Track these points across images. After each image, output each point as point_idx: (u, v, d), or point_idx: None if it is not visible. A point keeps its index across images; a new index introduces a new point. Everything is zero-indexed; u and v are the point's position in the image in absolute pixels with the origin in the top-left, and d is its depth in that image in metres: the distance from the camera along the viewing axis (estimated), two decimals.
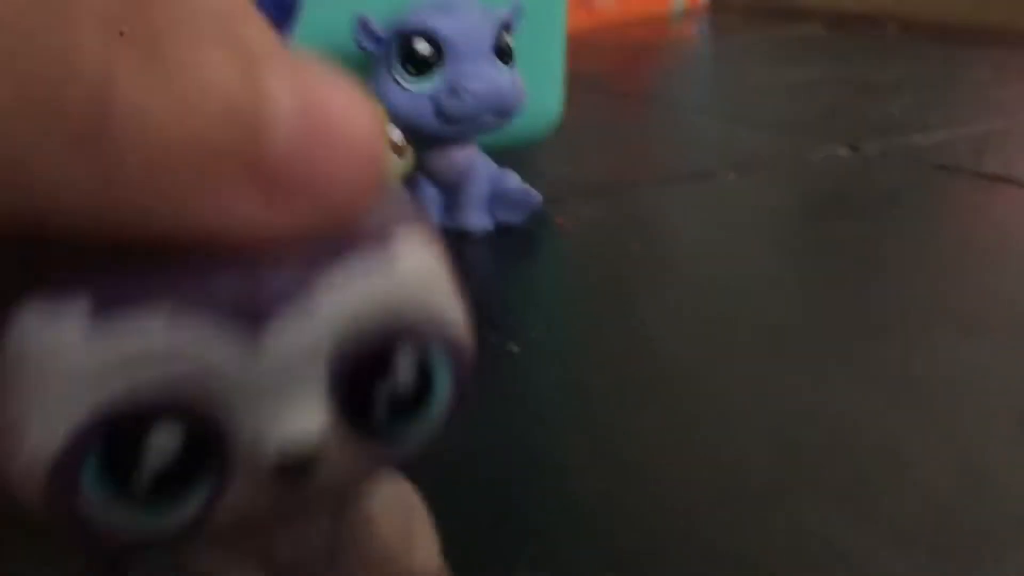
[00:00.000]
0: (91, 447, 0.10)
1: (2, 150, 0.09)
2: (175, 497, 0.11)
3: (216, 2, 0.10)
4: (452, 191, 0.49)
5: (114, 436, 0.10)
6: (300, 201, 0.10)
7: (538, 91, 0.55)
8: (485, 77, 0.45)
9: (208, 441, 0.11)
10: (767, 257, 0.47)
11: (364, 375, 0.11)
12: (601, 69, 1.01)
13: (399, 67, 0.45)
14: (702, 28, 1.38)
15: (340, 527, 0.14)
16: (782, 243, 0.51)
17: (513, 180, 0.50)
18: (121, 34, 0.09)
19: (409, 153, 0.46)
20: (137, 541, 0.11)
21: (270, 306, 0.10)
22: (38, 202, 0.09)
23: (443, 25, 0.44)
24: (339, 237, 0.11)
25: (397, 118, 0.45)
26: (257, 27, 0.10)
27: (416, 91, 0.45)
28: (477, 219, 0.49)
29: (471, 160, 0.49)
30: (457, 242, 0.48)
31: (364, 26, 0.45)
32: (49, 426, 0.10)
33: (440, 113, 0.45)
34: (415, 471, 0.16)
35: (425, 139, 0.47)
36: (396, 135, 0.44)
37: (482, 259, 0.47)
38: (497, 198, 0.49)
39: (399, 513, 0.16)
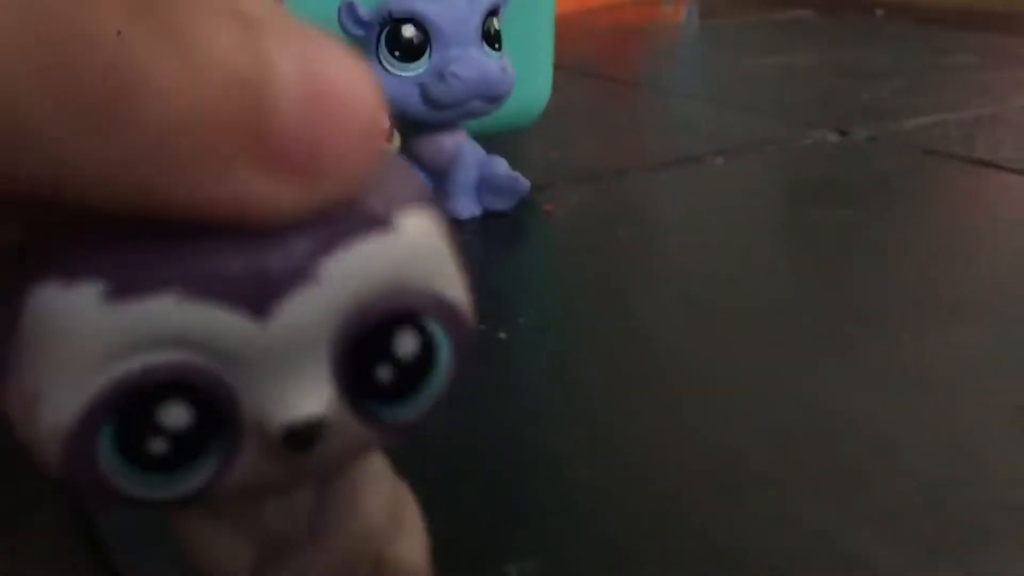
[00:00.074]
0: (105, 418, 0.11)
1: (21, 121, 0.09)
2: (186, 466, 0.11)
3: None
4: (440, 177, 0.49)
5: (127, 409, 0.11)
6: (304, 172, 0.10)
7: (527, 76, 0.55)
8: (473, 62, 0.44)
9: (218, 415, 0.11)
10: (757, 243, 0.47)
11: (366, 351, 0.12)
12: (590, 54, 1.00)
13: (386, 52, 0.44)
14: (691, 12, 1.38)
15: (326, 498, 0.15)
16: (771, 228, 0.50)
17: (501, 166, 0.49)
18: (137, 10, 0.09)
19: (395, 139, 0.46)
20: (148, 505, 0.11)
21: (277, 286, 0.11)
22: (52, 171, 0.09)
23: (430, 10, 0.44)
24: (344, 214, 0.11)
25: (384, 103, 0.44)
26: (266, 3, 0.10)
27: (403, 76, 0.44)
28: (465, 206, 0.49)
29: (459, 146, 0.48)
30: None
31: (350, 10, 0.45)
32: (65, 398, 0.11)
33: (427, 99, 0.45)
34: (403, 460, 0.16)
35: (412, 125, 0.47)
36: None
37: (470, 246, 0.46)
38: (485, 184, 0.49)
39: (389, 499, 0.16)
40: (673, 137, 0.66)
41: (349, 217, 0.11)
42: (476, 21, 0.45)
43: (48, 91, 0.09)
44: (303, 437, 0.11)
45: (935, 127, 0.67)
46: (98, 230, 0.11)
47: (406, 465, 0.16)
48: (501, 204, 0.49)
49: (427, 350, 0.12)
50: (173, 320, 0.10)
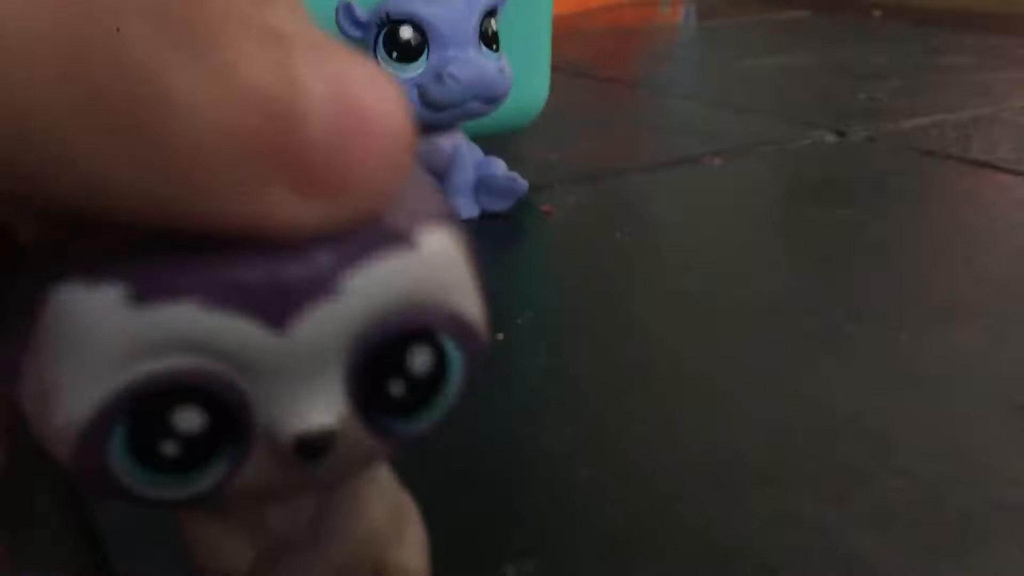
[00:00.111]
0: (119, 419, 0.11)
1: (52, 135, 0.09)
2: (195, 469, 0.11)
3: None
4: (438, 178, 0.49)
5: (142, 410, 0.11)
6: (331, 189, 0.10)
7: (524, 77, 0.55)
8: (470, 63, 0.44)
9: (230, 421, 0.11)
10: (755, 243, 0.47)
11: (380, 365, 0.12)
12: (588, 55, 1.00)
13: (383, 53, 0.44)
14: (689, 13, 1.38)
15: (329, 502, 0.15)
16: (769, 228, 0.51)
17: (499, 167, 0.49)
18: (166, 26, 0.09)
19: None
20: (155, 504, 0.12)
21: (297, 299, 0.11)
22: (81, 184, 0.09)
23: (427, 11, 0.44)
24: (366, 230, 0.11)
25: None
26: (287, 9, 0.10)
27: (401, 78, 0.44)
28: (463, 206, 0.49)
29: (457, 147, 0.48)
30: None
31: (347, 11, 0.45)
32: (81, 396, 0.11)
33: (425, 100, 0.45)
34: (402, 462, 0.16)
35: None
36: None
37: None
38: (483, 185, 0.49)
39: (391, 504, 0.16)
40: (671, 138, 0.66)
41: (371, 233, 0.11)
42: (474, 22, 0.45)
43: (80, 108, 0.09)
44: (314, 447, 0.11)
45: (932, 127, 0.67)
46: (120, 233, 0.11)
47: (405, 466, 0.16)
48: (499, 205, 0.49)
49: (440, 366, 0.12)
50: (193, 326, 0.10)
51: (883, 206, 0.51)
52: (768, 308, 0.39)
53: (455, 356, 0.12)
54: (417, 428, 0.12)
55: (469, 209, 0.49)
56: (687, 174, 0.58)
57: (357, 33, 0.45)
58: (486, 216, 0.49)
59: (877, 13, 1.26)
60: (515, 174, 0.49)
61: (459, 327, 0.12)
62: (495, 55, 0.46)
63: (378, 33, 0.44)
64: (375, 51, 0.45)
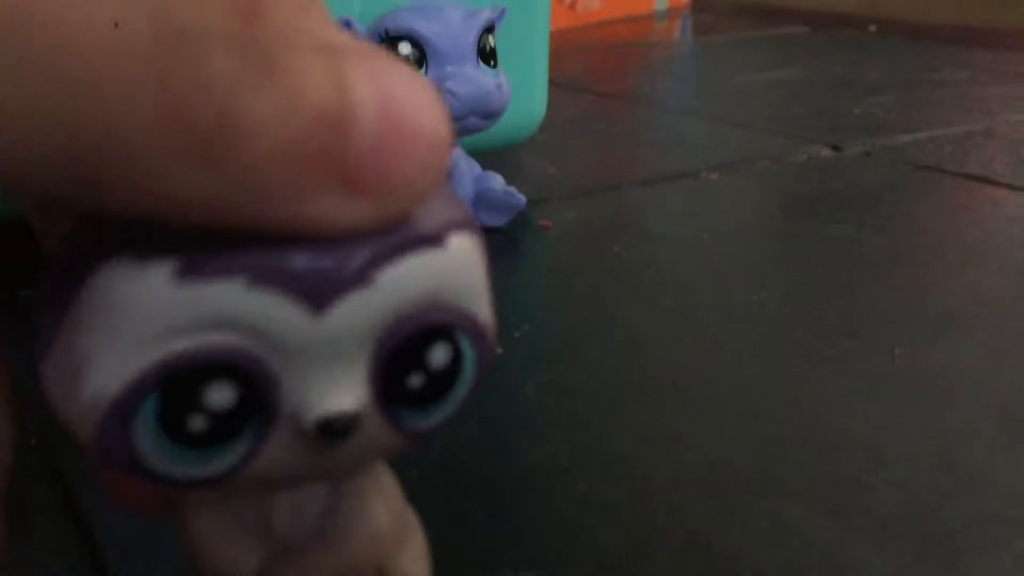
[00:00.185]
0: (152, 390, 0.11)
1: (131, 150, 0.10)
2: (218, 447, 0.12)
3: (294, 6, 0.11)
4: None
5: (175, 383, 0.11)
6: (375, 190, 0.11)
7: (521, 92, 0.55)
8: (468, 79, 0.45)
9: (258, 400, 0.12)
10: (751, 257, 0.48)
11: (402, 358, 0.12)
12: (584, 69, 1.01)
13: None
14: (685, 28, 1.39)
15: (335, 503, 0.15)
16: (766, 243, 0.51)
17: (497, 182, 0.49)
18: (237, 47, 0.10)
19: None
20: (175, 482, 0.12)
21: (336, 285, 0.11)
22: (156, 199, 0.10)
23: (426, 28, 0.44)
24: (402, 228, 0.12)
25: None
26: (324, 19, 0.11)
27: None
28: None
29: (455, 162, 0.49)
30: None
31: (346, 28, 0.45)
32: (116, 367, 0.11)
33: None
34: (401, 472, 0.16)
35: None
36: None
37: None
38: (481, 200, 0.49)
39: (397, 513, 0.16)
40: (668, 152, 0.67)
41: (405, 231, 0.12)
42: (472, 39, 0.45)
43: (163, 132, 0.10)
44: (336, 430, 0.12)
45: (928, 142, 0.67)
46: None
47: (404, 477, 0.16)
48: (497, 220, 0.50)
49: (456, 362, 0.13)
50: (237, 304, 0.11)
51: (879, 220, 0.52)
52: (764, 322, 0.39)
53: (469, 354, 0.13)
54: (428, 422, 0.13)
55: None
56: (684, 188, 0.58)
57: None
58: (484, 230, 0.49)
59: (873, 28, 1.26)
60: (513, 189, 0.49)
61: (474, 327, 0.13)
62: (493, 71, 0.46)
63: None
64: None
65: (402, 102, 0.11)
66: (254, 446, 0.12)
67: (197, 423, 0.11)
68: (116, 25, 0.09)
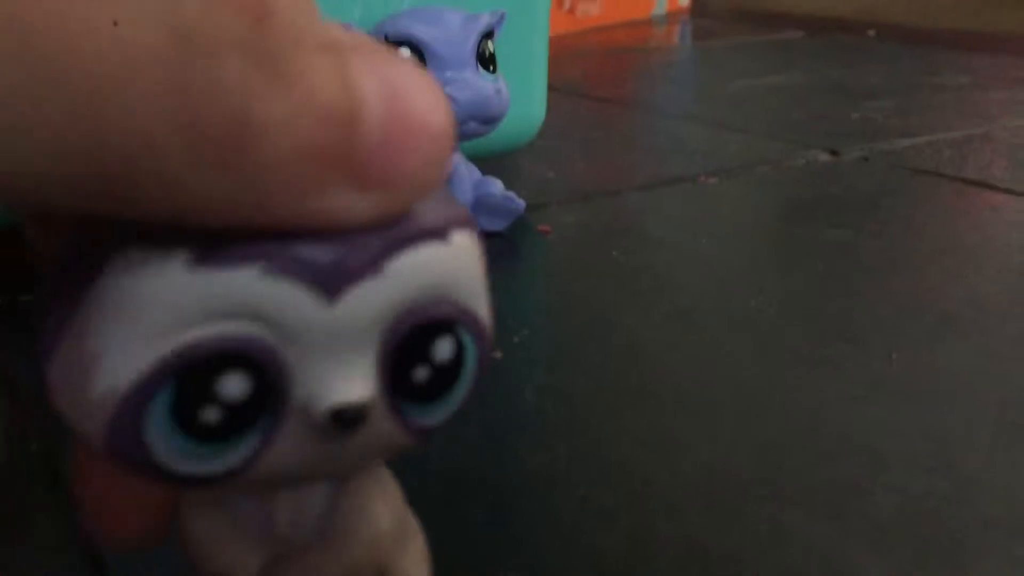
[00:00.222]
0: (166, 381, 0.11)
1: (153, 161, 0.10)
2: (229, 440, 0.12)
3: (299, 5, 0.11)
4: None
5: (189, 374, 0.11)
6: (384, 185, 0.11)
7: (521, 97, 0.55)
8: (467, 84, 0.45)
9: (271, 391, 0.12)
10: (749, 262, 0.48)
11: (408, 351, 0.13)
12: (583, 74, 1.01)
13: None
14: (684, 33, 1.39)
15: (336, 503, 0.15)
16: (764, 247, 0.51)
17: (496, 187, 0.50)
18: (248, 54, 0.10)
19: None
20: (184, 479, 0.12)
21: (348, 272, 0.12)
22: (174, 202, 0.10)
23: (425, 33, 0.44)
24: (407, 222, 0.12)
25: None
26: (334, 24, 0.11)
27: None
28: None
29: (454, 167, 0.49)
30: None
31: None
32: (130, 358, 0.11)
33: None
34: (400, 476, 0.16)
35: None
36: None
37: None
38: (481, 205, 0.49)
39: (398, 515, 0.16)
40: (666, 157, 0.67)
41: (411, 224, 0.12)
42: (471, 44, 0.45)
43: (184, 139, 0.10)
44: (347, 420, 0.12)
45: (926, 147, 0.67)
46: None
47: (404, 482, 0.17)
48: (496, 224, 0.50)
49: (459, 358, 0.13)
50: (251, 292, 0.11)
51: (877, 225, 0.52)
52: (762, 326, 0.39)
53: (471, 350, 0.13)
54: (433, 419, 0.13)
55: None
56: (683, 193, 0.58)
57: None
58: (483, 235, 0.49)
59: (871, 33, 1.27)
60: (512, 193, 0.50)
61: (476, 325, 0.13)
62: (492, 76, 0.46)
63: None
64: None
65: (407, 98, 0.11)
66: (265, 439, 0.12)
67: (210, 415, 0.11)
68: (115, 24, 0.09)
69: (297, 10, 0.11)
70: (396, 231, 0.12)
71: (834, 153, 0.66)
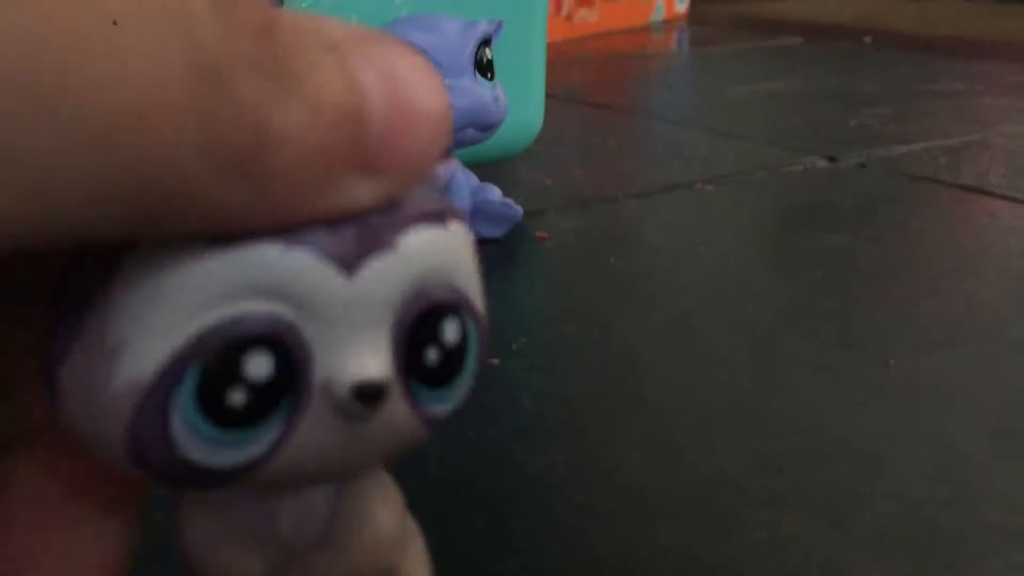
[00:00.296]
0: (192, 365, 0.11)
1: (180, 181, 0.10)
2: (255, 425, 0.12)
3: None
4: None
5: (215, 355, 0.11)
6: (388, 169, 0.12)
7: (518, 104, 0.55)
8: (465, 92, 0.45)
9: (294, 370, 0.12)
10: (747, 268, 0.48)
11: (419, 332, 0.13)
12: (581, 81, 1.01)
13: None
14: (681, 40, 1.39)
15: (340, 505, 0.15)
16: (762, 254, 0.51)
17: (494, 193, 0.50)
18: (262, 68, 0.10)
19: None
20: (208, 475, 0.12)
21: (365, 246, 0.12)
22: (197, 216, 0.11)
23: (422, 40, 0.44)
24: (409, 206, 0.13)
25: None
26: (329, 19, 0.12)
27: None
28: None
29: (452, 174, 0.49)
30: None
31: None
32: (155, 345, 0.11)
33: None
34: (399, 483, 0.16)
35: None
36: None
37: None
38: (478, 211, 0.49)
39: (400, 519, 0.16)
40: (664, 164, 0.67)
41: (414, 207, 0.13)
42: (469, 51, 0.45)
43: (207, 157, 0.10)
44: (369, 395, 0.12)
45: (924, 153, 0.67)
46: None
47: (403, 486, 0.17)
48: (494, 231, 0.50)
49: (464, 342, 0.13)
50: (274, 268, 0.12)
51: (874, 231, 0.52)
52: (761, 333, 0.39)
53: (474, 335, 0.14)
54: (443, 406, 0.14)
55: None
56: (680, 200, 0.58)
57: None
58: (481, 242, 0.50)
59: (868, 40, 1.27)
60: (510, 200, 0.50)
61: (475, 311, 0.14)
62: (490, 83, 0.46)
63: None
64: None
65: (406, 85, 0.12)
66: (288, 423, 0.12)
67: (236, 397, 0.12)
68: (114, 23, 0.10)
69: (297, 13, 0.11)
70: (400, 211, 0.12)
71: (832, 160, 0.66)
